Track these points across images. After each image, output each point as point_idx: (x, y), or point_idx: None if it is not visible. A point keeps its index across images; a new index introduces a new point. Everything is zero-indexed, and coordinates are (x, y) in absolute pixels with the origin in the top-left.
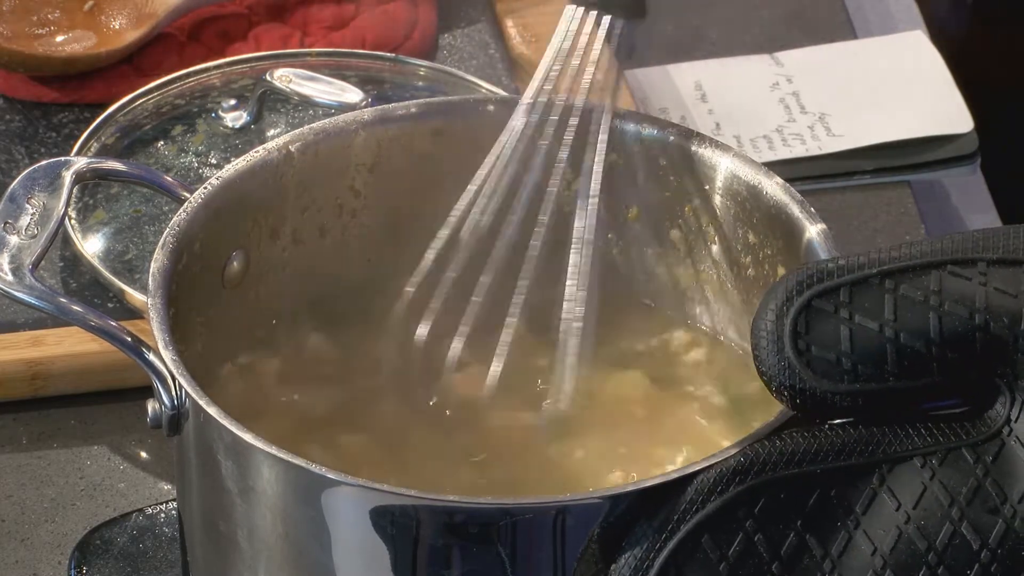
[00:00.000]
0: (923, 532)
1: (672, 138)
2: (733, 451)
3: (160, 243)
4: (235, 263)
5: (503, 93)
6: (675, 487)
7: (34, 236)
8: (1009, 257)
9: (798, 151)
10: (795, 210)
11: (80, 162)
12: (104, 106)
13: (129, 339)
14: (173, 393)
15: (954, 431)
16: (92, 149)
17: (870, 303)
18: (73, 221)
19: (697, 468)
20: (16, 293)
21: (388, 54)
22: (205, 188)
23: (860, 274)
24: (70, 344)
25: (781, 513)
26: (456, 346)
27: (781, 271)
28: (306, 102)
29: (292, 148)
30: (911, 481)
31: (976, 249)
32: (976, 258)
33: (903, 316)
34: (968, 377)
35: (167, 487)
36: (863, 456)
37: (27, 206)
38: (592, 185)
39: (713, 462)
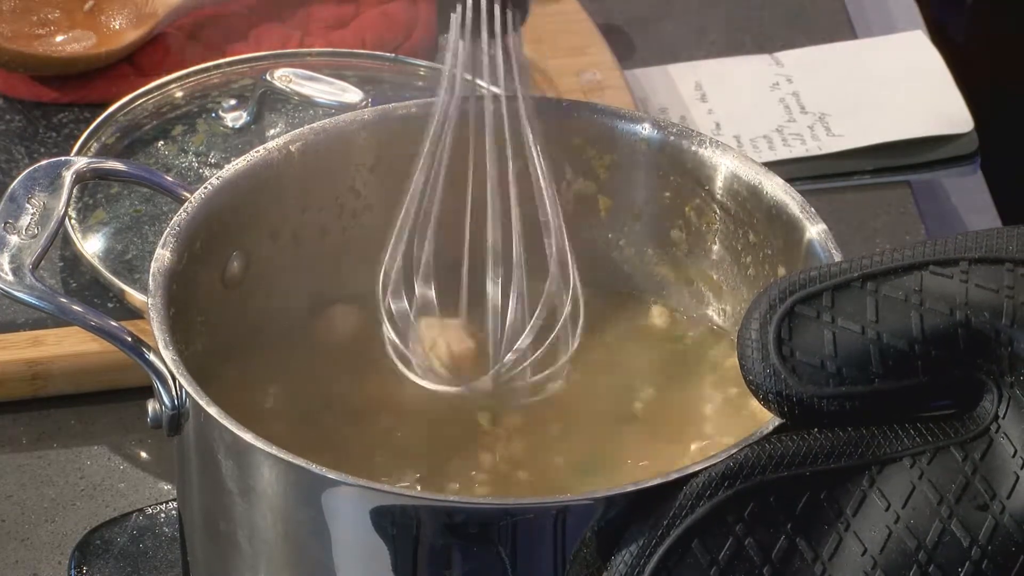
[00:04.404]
0: (913, 531)
1: (672, 138)
2: (723, 455)
3: (160, 243)
4: (235, 263)
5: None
6: (668, 490)
7: (34, 236)
8: (991, 256)
9: (798, 151)
10: (795, 210)
11: (80, 162)
12: (104, 106)
13: (129, 339)
14: (173, 393)
15: (943, 430)
16: (92, 149)
17: (852, 306)
18: (73, 221)
19: (691, 471)
20: (16, 293)
21: (388, 54)
22: (205, 188)
23: (842, 279)
24: (70, 344)
25: (771, 516)
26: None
27: (782, 271)
28: (306, 102)
29: (292, 148)
30: (900, 481)
31: (959, 250)
32: (958, 258)
33: (885, 317)
34: (953, 375)
35: (167, 487)
36: (852, 458)
37: (27, 206)
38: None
39: (705, 465)
